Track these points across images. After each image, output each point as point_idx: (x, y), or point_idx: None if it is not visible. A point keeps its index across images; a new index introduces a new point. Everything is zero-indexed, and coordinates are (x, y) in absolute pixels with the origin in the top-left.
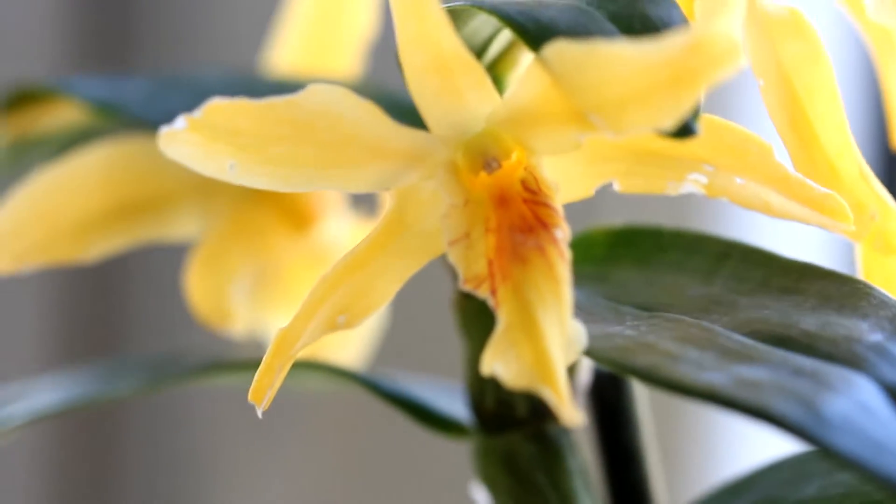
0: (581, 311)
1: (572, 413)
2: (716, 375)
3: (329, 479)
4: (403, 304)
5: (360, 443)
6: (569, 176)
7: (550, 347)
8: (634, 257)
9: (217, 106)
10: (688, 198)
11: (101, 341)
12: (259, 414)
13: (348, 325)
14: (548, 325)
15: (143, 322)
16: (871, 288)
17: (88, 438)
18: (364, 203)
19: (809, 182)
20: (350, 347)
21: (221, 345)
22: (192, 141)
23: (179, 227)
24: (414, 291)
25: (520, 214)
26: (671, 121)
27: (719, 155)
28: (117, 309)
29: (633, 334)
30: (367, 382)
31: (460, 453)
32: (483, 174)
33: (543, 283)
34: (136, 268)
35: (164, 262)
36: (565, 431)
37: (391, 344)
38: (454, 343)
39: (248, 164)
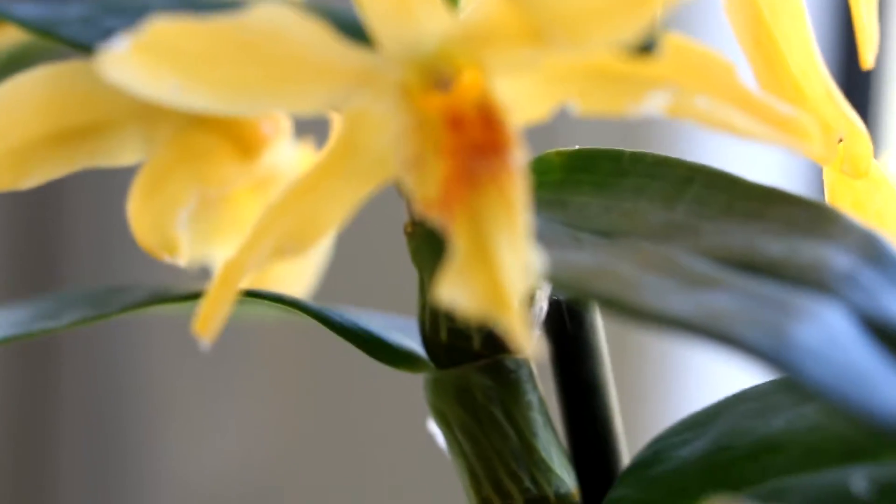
0: (538, 237)
1: (529, 343)
2: (678, 302)
3: (282, 413)
4: (356, 234)
5: (315, 378)
6: (525, 97)
7: (506, 275)
8: (593, 182)
9: (160, 27)
10: (650, 123)
11: (42, 273)
12: (204, 348)
13: (296, 251)
14: (503, 252)
15: (86, 252)
16: (838, 213)
17: (23, 370)
18: (312, 130)
19: (774, 102)
20: (299, 278)
21: (167, 274)
22: (134, 63)
23: (121, 153)
24: (368, 220)
25: (473, 137)
26: (630, 35)
27: (681, 74)
28: (58, 240)
29: (592, 261)
30: (314, 312)
31: (418, 387)
32: (435, 95)
33: (498, 208)
34: (78, 196)
35: (108, 189)
36: (522, 364)
37: (343, 276)
38: (409, 274)
39: (192, 86)
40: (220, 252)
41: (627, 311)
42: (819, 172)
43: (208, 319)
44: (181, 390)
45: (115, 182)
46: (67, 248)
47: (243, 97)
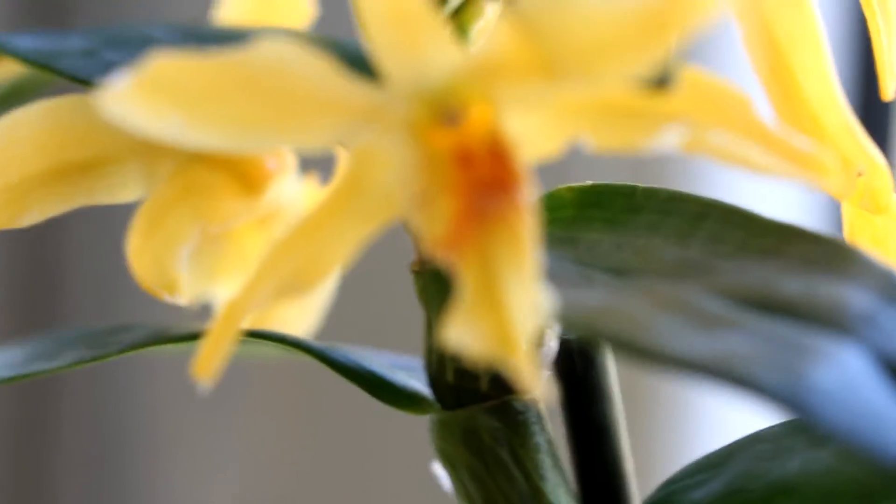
0: (549, 276)
1: (537, 386)
2: (692, 343)
3: (285, 453)
4: (362, 273)
5: (319, 420)
6: (535, 132)
7: (514, 316)
8: (605, 219)
9: (161, 62)
10: (664, 159)
11: (41, 311)
12: (204, 390)
13: (300, 291)
14: (512, 293)
15: (87, 290)
16: (857, 250)
17: (23, 409)
18: (317, 166)
19: (792, 136)
20: (302, 317)
21: (167, 314)
22: (134, 100)
23: (122, 189)
24: (374, 259)
25: (483, 174)
26: (644, 68)
27: (696, 108)
28: (58, 277)
29: (604, 300)
30: (317, 352)
31: (423, 429)
32: (444, 131)
33: (507, 247)
34: (80, 232)
35: (110, 225)
36: (531, 405)
37: (349, 314)
38: (416, 314)
39: (194, 123)
40: (222, 289)
41: (639, 352)
42: (837, 208)
43: (208, 361)
44: (183, 428)
45: (117, 218)
46: (68, 285)
47: (247, 134)
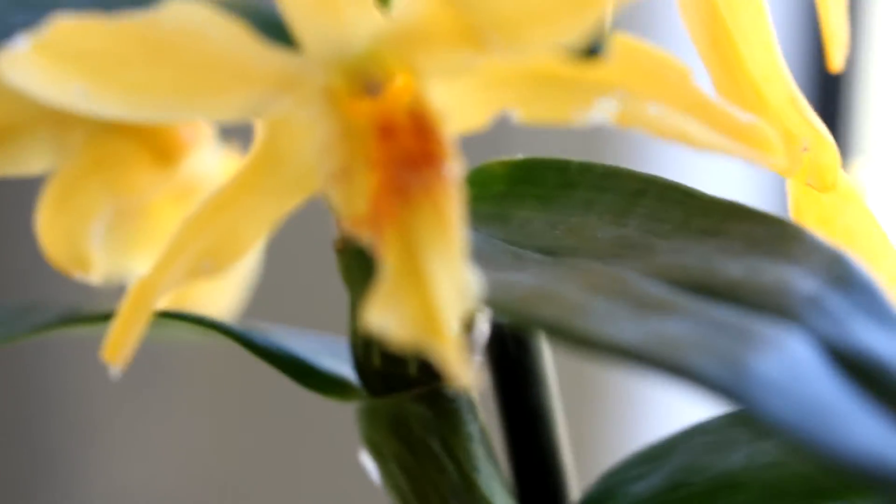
0: (477, 256)
1: (465, 374)
2: (628, 329)
3: (212, 435)
4: (283, 250)
5: (246, 398)
6: (461, 103)
7: (439, 299)
8: (538, 195)
9: (63, 25)
10: (599, 133)
11: None
12: (114, 374)
13: (214, 270)
14: (436, 274)
15: (12, 266)
16: (802, 230)
17: None
18: (239, 135)
19: (733, 109)
20: (222, 296)
21: (82, 293)
22: (36, 65)
23: (29, 160)
24: (295, 234)
25: (405, 147)
26: (574, 37)
27: (631, 79)
28: None
29: (535, 282)
30: (236, 335)
31: (351, 415)
32: (364, 101)
33: (431, 225)
34: (3, 208)
35: (21, 199)
36: (462, 393)
37: (270, 294)
38: (341, 293)
39: (100, 90)
40: (139, 267)
41: (573, 338)
42: (783, 186)
43: (117, 344)
44: (107, 405)
45: (34, 191)
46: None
47: (154, 103)
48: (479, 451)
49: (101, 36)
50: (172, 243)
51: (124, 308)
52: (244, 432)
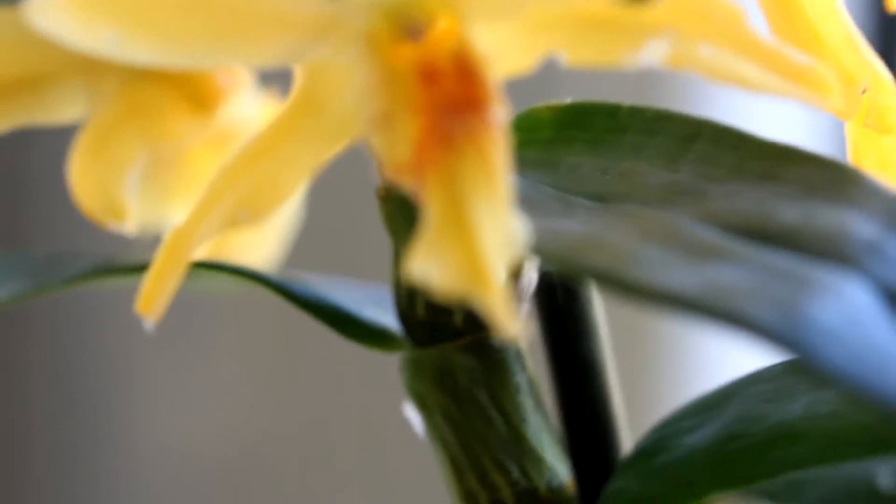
0: (525, 203)
1: (511, 324)
2: (681, 276)
3: (259, 388)
4: (326, 197)
5: (287, 353)
6: (506, 47)
7: (484, 248)
8: (587, 140)
9: None
10: (649, 76)
11: (7, 234)
12: (149, 326)
13: (252, 219)
14: (481, 222)
15: (48, 217)
16: (861, 173)
17: None
18: (276, 80)
19: (788, 50)
20: (261, 246)
21: (117, 244)
22: (65, 11)
23: (63, 108)
24: (338, 181)
25: (449, 92)
26: None
27: (681, 19)
28: (17, 202)
29: (585, 229)
30: (276, 285)
31: (395, 366)
32: (405, 45)
33: (477, 171)
34: (48, 156)
35: (53, 148)
36: (510, 342)
37: (312, 242)
38: (385, 240)
39: (131, 36)
40: (175, 217)
41: (623, 287)
42: (841, 128)
43: (152, 296)
44: (145, 357)
45: (67, 139)
46: (34, 207)
47: (188, 50)
48: (527, 403)
49: None
50: (208, 192)
51: (159, 259)
52: (285, 383)
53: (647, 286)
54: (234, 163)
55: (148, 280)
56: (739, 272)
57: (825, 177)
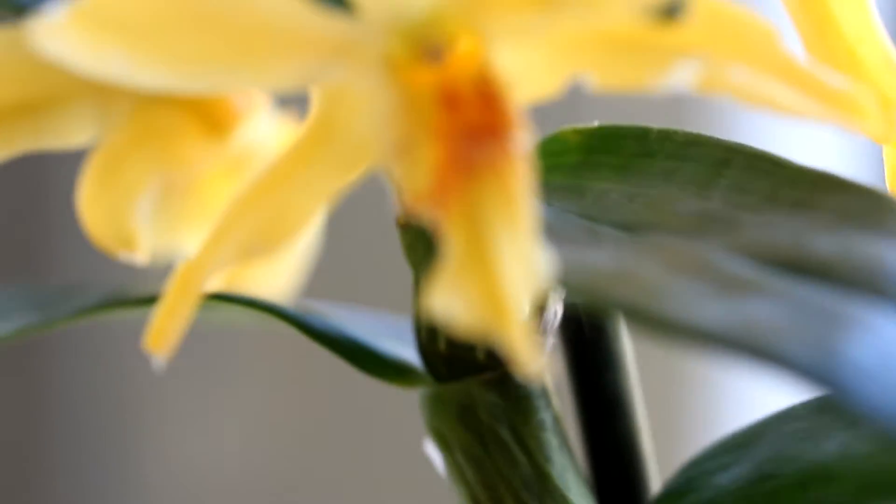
0: (550, 232)
1: (534, 362)
2: (712, 311)
3: (277, 421)
4: (346, 225)
5: (306, 386)
6: (531, 69)
7: (507, 282)
8: (615, 165)
9: None
10: (679, 100)
11: (26, 263)
12: (157, 364)
13: (267, 250)
14: (504, 254)
15: (63, 245)
16: None
17: (15, 367)
18: (294, 102)
19: (824, 72)
20: (278, 277)
21: (128, 275)
22: (73, 34)
23: (73, 133)
24: (358, 209)
25: (470, 118)
26: None
27: (713, 41)
28: (32, 230)
29: (612, 261)
30: (291, 318)
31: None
32: (426, 68)
33: (499, 201)
34: (54, 183)
35: (62, 174)
36: (535, 378)
37: (332, 272)
38: (405, 271)
39: (141, 61)
40: (189, 246)
41: (653, 322)
42: (879, 154)
43: (162, 331)
44: (177, 386)
45: (76, 165)
46: (51, 239)
47: (202, 73)
48: (552, 441)
49: (143, 2)
50: (221, 223)
51: (169, 293)
52: (303, 417)
53: (676, 321)
54: (247, 192)
55: (158, 315)
56: (772, 307)
57: (862, 205)
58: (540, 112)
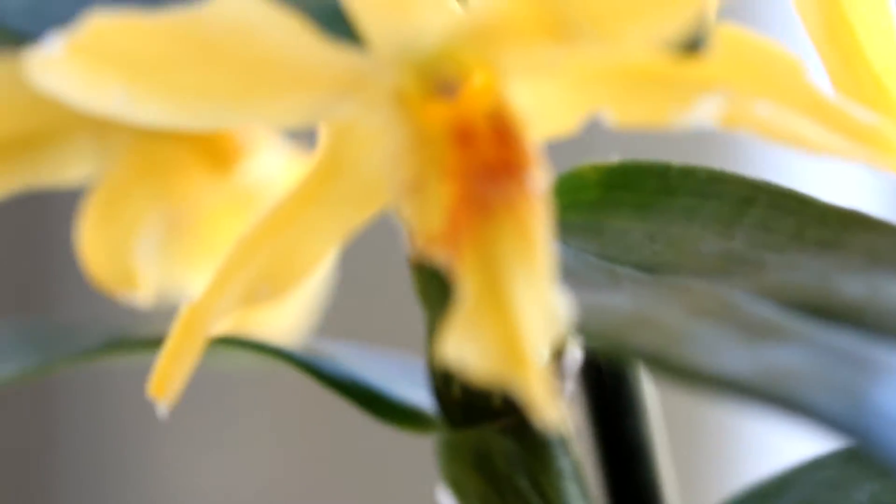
0: (567, 275)
1: (552, 410)
2: (736, 358)
3: (275, 469)
4: (357, 265)
5: (315, 429)
6: (547, 105)
7: (523, 327)
8: (635, 203)
9: (101, 23)
10: (702, 136)
11: (32, 296)
12: (161, 411)
13: (273, 294)
14: (520, 298)
15: (67, 282)
16: None
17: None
18: (303, 135)
19: (852, 106)
20: (288, 318)
21: (130, 316)
22: (71, 68)
23: (71, 167)
24: (370, 249)
25: (485, 156)
26: (674, 30)
27: (736, 75)
28: (35, 266)
29: (632, 305)
30: (301, 362)
31: (429, 447)
32: (439, 103)
33: (514, 242)
34: (57, 220)
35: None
36: (553, 425)
37: (343, 313)
38: (418, 312)
39: (143, 96)
40: (194, 286)
41: (675, 370)
42: None
43: (166, 377)
44: (182, 417)
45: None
46: (52, 276)
47: (204, 109)
48: (571, 489)
49: (144, 35)
50: (226, 263)
51: (173, 337)
52: (311, 463)
53: (698, 369)
54: (252, 232)
55: (161, 360)
56: (798, 353)
57: (890, 245)
58: (557, 147)
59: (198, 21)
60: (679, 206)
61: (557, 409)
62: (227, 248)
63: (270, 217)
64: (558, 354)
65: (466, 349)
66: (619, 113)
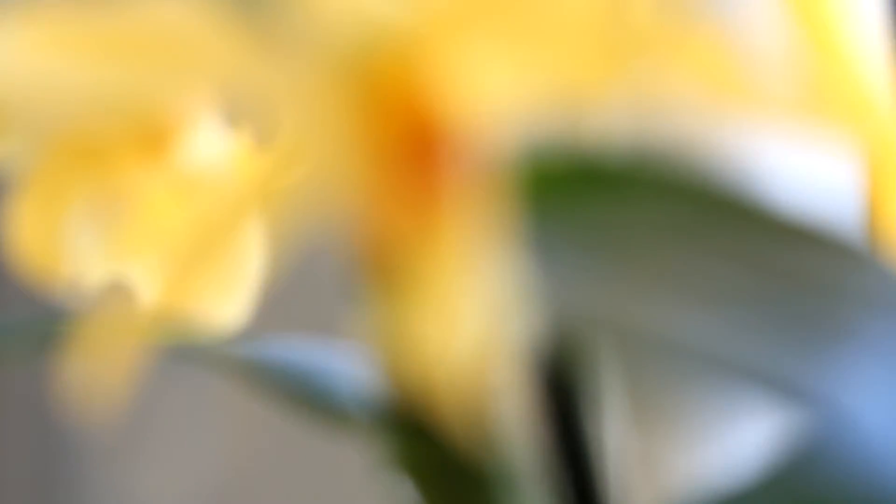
0: (532, 267)
1: (499, 412)
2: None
3: (230, 463)
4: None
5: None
6: (498, 88)
7: (465, 325)
8: (600, 191)
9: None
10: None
11: None
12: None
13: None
14: (467, 292)
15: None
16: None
17: None
18: (246, 118)
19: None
20: (228, 302)
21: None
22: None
23: None
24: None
25: (434, 140)
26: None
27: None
28: None
29: (595, 295)
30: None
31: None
32: (390, 90)
33: (461, 235)
34: None
35: None
36: (505, 424)
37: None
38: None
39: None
40: (139, 273)
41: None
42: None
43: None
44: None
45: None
46: None
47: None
48: (524, 489)
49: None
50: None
51: (108, 335)
52: (263, 462)
53: (658, 335)
54: (194, 220)
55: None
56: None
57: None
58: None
59: (123, 25)
60: (645, 194)
61: (511, 408)
62: (173, 234)
63: (214, 204)
64: (511, 353)
65: (405, 347)
66: (571, 94)
